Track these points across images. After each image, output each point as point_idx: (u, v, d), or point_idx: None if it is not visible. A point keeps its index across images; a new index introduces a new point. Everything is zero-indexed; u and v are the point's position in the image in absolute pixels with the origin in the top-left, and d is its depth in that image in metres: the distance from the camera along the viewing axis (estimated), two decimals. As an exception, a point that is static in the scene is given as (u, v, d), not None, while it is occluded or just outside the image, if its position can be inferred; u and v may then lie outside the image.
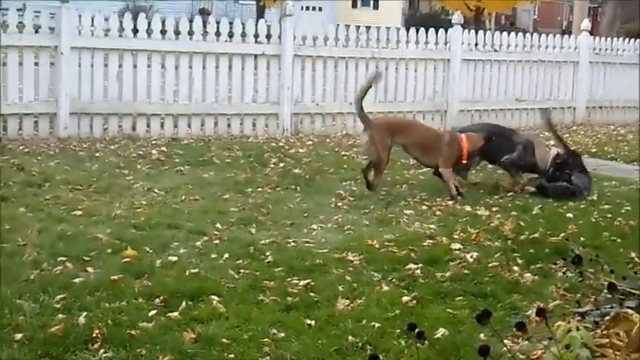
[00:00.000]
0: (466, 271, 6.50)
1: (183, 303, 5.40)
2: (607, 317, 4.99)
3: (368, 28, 15.02)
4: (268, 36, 13.79)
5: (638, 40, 18.97)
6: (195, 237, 7.12)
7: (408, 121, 11.35)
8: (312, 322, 5.22)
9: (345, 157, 11.76)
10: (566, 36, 18.16)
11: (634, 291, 5.39)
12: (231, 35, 13.52)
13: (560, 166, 9.78)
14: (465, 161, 9.53)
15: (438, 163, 9.51)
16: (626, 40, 18.74)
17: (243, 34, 13.62)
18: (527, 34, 17.16)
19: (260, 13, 39.36)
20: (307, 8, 52.16)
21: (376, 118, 10.06)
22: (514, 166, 9.92)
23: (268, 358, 4.63)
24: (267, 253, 6.72)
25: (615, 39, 18.60)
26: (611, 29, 32.46)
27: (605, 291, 5.82)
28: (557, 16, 79.10)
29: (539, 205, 9.03)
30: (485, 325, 3.39)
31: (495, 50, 16.16)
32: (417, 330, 3.21)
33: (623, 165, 12.55)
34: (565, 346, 3.72)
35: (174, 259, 6.44)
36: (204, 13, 36.78)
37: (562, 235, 7.67)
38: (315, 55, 14.17)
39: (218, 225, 7.54)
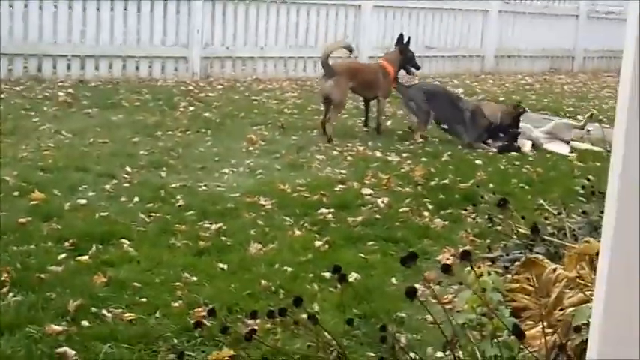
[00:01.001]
0: (377, 216, 6.53)
1: (94, 246, 5.32)
2: (517, 262, 5.07)
3: (279, -28, 14.88)
4: (178, -22, 13.57)
5: (546, -9, 19.19)
6: (104, 180, 7.01)
7: (355, 64, 11.37)
8: (225, 266, 5.20)
9: (255, 102, 11.67)
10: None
11: (544, 237, 5.48)
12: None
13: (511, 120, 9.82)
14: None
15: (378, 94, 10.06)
16: (535, -11, 18.90)
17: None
18: (438, -18, 17.20)
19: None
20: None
21: (335, 63, 10.09)
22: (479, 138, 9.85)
23: (180, 301, 4.59)
24: (178, 197, 6.66)
25: (524, -11, 18.73)
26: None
27: (514, 237, 5.92)
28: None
29: (449, 152, 9.10)
30: (409, 267, 3.40)
31: (405, -3, 16.17)
32: (339, 272, 3.15)
33: (531, 114, 12.68)
34: (481, 289, 3.73)
35: (84, 202, 6.34)
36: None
37: (471, 181, 7.75)
38: (223, -2, 14.01)
39: (127, 168, 7.44)
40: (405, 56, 10.56)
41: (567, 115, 12.79)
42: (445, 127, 10.04)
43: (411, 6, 16.24)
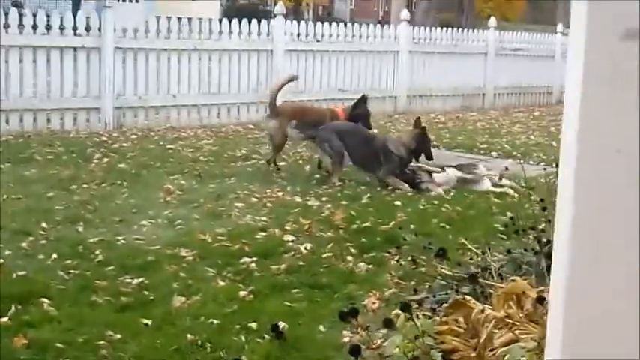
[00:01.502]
0: (301, 263, 6.49)
1: (13, 307, 5.16)
2: (444, 304, 5.06)
3: (189, 19, 14.84)
4: (87, 28, 13.41)
5: (454, 30, 19.44)
6: (20, 237, 6.82)
7: (301, 106, 11.53)
8: (149, 322, 5.09)
9: (170, 151, 11.57)
10: (386, 26, 18.42)
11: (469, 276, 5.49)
12: (48, 28, 13.08)
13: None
14: None
15: None
16: (444, 29, 19.14)
17: (62, 27, 13.19)
18: (348, 25, 17.31)
19: (76, 6, 38.47)
20: (124, 0, 51.27)
21: (280, 105, 10.63)
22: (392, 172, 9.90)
23: (105, 361, 4.48)
24: (97, 252, 6.53)
25: (433, 29, 18.94)
26: (427, 18, 33.21)
27: (439, 277, 5.92)
28: (373, 7, 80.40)
29: (368, 195, 9.11)
30: (346, 322, 3.35)
31: (317, 41, 16.24)
32: (277, 330, 3.08)
33: (446, 152, 12.81)
34: (414, 337, 3.70)
35: (0, 261, 6.17)
36: (17, 5, 35.74)
37: (392, 223, 7.75)
38: (136, 48, 13.88)
39: (44, 224, 7.26)
40: (357, 111, 10.77)
41: (481, 151, 12.94)
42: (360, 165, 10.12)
43: (323, 49, 16.32)
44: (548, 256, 5.00)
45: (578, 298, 1.38)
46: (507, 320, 4.31)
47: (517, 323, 4.28)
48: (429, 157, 10.02)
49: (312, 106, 12.85)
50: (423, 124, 10.30)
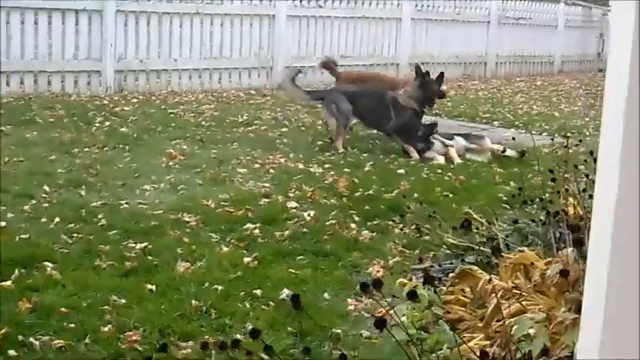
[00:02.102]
0: (305, 230, 6.46)
1: (16, 271, 5.12)
2: (450, 274, 5.04)
3: (192, -17, 14.75)
4: (89, -10, 13.32)
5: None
6: (22, 200, 6.79)
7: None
8: (153, 287, 5.06)
9: (172, 115, 11.51)
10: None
11: (473, 245, 5.48)
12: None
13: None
14: None
15: None
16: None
17: (64, -11, 13.10)
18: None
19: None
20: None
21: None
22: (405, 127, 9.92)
23: (110, 326, 4.44)
24: (100, 216, 6.50)
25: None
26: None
27: (444, 247, 5.90)
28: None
29: (371, 162, 9.08)
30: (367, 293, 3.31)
31: (320, 6, 16.13)
32: (297, 300, 3.03)
33: (448, 120, 12.77)
34: (427, 307, 3.67)
35: (2, 224, 6.13)
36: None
37: (396, 191, 7.72)
38: (138, 11, 13.77)
39: (46, 187, 7.23)
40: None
41: (484, 120, 12.89)
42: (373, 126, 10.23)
43: (325, 15, 16.23)
44: (557, 227, 4.98)
45: (618, 298, 1.34)
46: (515, 291, 4.29)
47: (525, 294, 4.26)
48: (441, 96, 10.25)
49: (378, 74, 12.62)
50: (425, 70, 10.30)
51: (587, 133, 11.26)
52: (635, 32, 1.25)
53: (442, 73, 10.53)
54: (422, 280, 5.04)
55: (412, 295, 3.13)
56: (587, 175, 5.09)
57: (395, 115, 9.83)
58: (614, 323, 1.31)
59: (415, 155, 9.51)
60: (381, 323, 2.87)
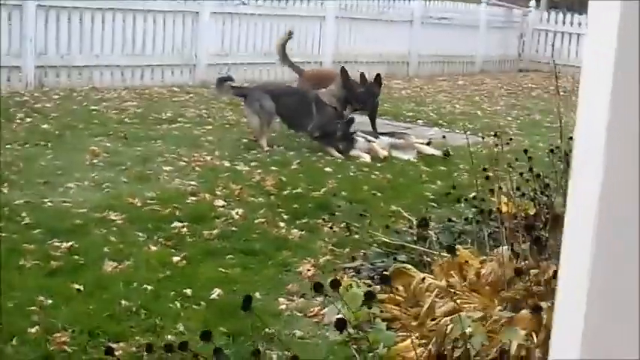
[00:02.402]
0: (233, 228, 6.40)
1: None
2: (383, 272, 5.01)
3: (114, -22, 14.52)
4: (9, -16, 13.03)
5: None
6: (-59, 198, 6.62)
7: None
8: (81, 287, 4.96)
9: (94, 112, 11.30)
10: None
11: (406, 244, 5.46)
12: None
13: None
14: None
15: None
16: (369, -5, 19.06)
17: (-18, -18, 12.80)
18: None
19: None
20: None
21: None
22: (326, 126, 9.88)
23: (37, 327, 4.34)
24: (23, 214, 6.34)
25: (359, -6, 18.84)
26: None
27: (375, 245, 5.88)
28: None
29: (298, 161, 9.02)
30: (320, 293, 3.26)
31: (244, 3, 16.00)
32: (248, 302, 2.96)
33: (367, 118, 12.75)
34: (367, 306, 3.64)
35: None
36: None
37: (323, 189, 7.69)
38: (59, 6, 13.47)
39: (-34, 185, 7.05)
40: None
41: (407, 119, 12.94)
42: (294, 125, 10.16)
43: (249, 12, 16.09)
44: (489, 225, 4.99)
45: (597, 298, 1.30)
46: (449, 290, 4.29)
47: (459, 293, 4.26)
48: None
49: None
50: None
51: (511, 132, 11.34)
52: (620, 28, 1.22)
53: (379, 74, 10.75)
54: (354, 276, 5.03)
55: (317, 288, 3.07)
56: (521, 174, 5.11)
57: (317, 115, 9.81)
58: (596, 323, 1.28)
59: (337, 155, 9.48)
60: (341, 325, 2.81)
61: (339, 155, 9.45)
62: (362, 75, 10.37)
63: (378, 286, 4.72)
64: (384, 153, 9.46)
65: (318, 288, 3.14)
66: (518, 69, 23.00)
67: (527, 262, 4.21)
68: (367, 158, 9.38)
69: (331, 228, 6.53)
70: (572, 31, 22.58)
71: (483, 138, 8.97)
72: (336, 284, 3.32)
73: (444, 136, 9.71)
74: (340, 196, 7.41)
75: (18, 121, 10.14)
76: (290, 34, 11.89)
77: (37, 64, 13.16)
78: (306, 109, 9.88)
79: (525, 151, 5.39)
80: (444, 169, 9.02)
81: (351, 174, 8.61)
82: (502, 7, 23.21)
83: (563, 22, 23.00)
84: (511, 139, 7.65)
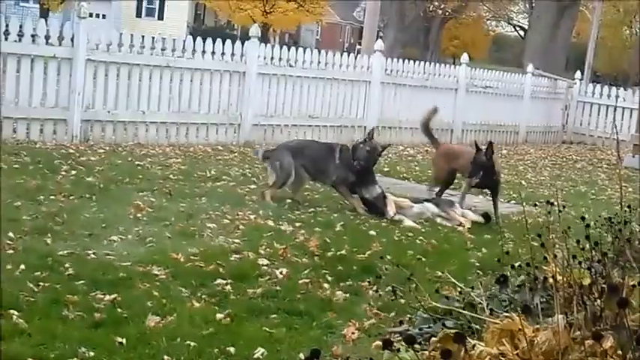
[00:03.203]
0: (277, 288, 6.33)
1: (-20, 319, 4.95)
2: (431, 338, 4.90)
3: (163, 37, 14.66)
4: (60, 38, 13.17)
5: (426, 64, 19.41)
6: (-14, 246, 6.60)
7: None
8: (123, 340, 4.90)
9: (139, 167, 11.34)
10: (359, 55, 18.35)
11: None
12: (20, 35, 12.84)
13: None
14: None
15: None
16: (416, 62, 19.09)
17: (33, 35, 12.93)
18: (322, 52, 17.16)
19: (43, 17, 38.17)
20: (91, 15, 50.88)
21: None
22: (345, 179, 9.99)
23: (80, 380, 4.28)
24: (67, 265, 6.32)
25: (406, 61, 18.86)
26: (392, 52, 33.26)
27: (421, 310, 5.77)
28: (338, 37, 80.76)
29: (342, 222, 8.97)
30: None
31: (291, 66, 16.07)
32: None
33: (416, 185, 12.72)
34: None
35: (-33, 269, 5.93)
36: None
37: (368, 252, 7.61)
38: (108, 61, 13.61)
39: (11, 234, 7.01)
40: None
41: (452, 187, 12.84)
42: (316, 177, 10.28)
43: (295, 74, 16.17)
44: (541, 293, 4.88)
45: None
46: (501, 358, 4.17)
47: (511, 361, 4.14)
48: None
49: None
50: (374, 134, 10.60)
51: (556, 203, 11.20)
52: None
53: (491, 143, 10.37)
54: (401, 340, 4.93)
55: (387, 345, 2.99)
56: (577, 242, 5.01)
57: (338, 168, 10.03)
58: None
59: (357, 204, 9.81)
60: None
61: (360, 205, 9.76)
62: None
63: (426, 352, 4.61)
64: (390, 214, 9.55)
65: (387, 346, 3.07)
66: (562, 140, 22.90)
67: (581, 332, 4.09)
68: (391, 214, 9.42)
69: (376, 291, 6.45)
70: (615, 104, 22.50)
71: (536, 205, 8.87)
72: (387, 344, 3.23)
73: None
74: (385, 259, 7.31)
75: (63, 173, 10.19)
76: (435, 110, 11.89)
77: (83, 117, 13.27)
78: (328, 163, 10.04)
79: (583, 217, 5.31)
80: (489, 237, 8.92)
81: (395, 238, 8.53)
82: (547, 78, 23.18)
83: (609, 96, 22.92)
84: (564, 207, 7.52)
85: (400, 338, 5.30)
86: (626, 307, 3.62)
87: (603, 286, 4.40)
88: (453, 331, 4.61)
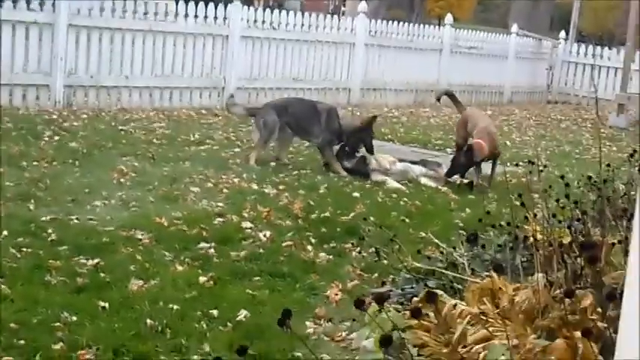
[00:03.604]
0: (261, 251, 6.34)
1: (-38, 284, 4.95)
2: (413, 298, 4.92)
3: (146, 2, 14.54)
4: (41, 4, 13.03)
5: (410, 25, 19.35)
6: (-32, 213, 6.58)
7: None
8: (106, 305, 4.90)
9: (122, 132, 11.29)
10: (343, 17, 18.29)
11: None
12: (1, 1, 12.72)
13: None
14: None
15: None
16: (400, 23, 19.02)
17: (14, 1, 12.81)
18: (305, 14, 17.09)
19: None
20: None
21: None
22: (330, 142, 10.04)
23: (62, 343, 4.28)
24: (50, 231, 6.30)
25: (390, 22, 18.79)
26: (377, 14, 33.13)
27: (404, 271, 5.79)
28: (323, 0, 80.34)
29: (325, 184, 8.97)
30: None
31: (274, 28, 16.00)
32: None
33: (400, 146, 12.71)
34: (390, 331, 3.55)
35: (-52, 236, 5.92)
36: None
37: (352, 214, 7.62)
38: (90, 26, 13.50)
39: (-7, 200, 7.01)
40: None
41: (436, 147, 12.86)
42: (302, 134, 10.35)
43: (279, 37, 16.10)
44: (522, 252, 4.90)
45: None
46: (482, 317, 4.19)
47: (491, 320, 4.16)
48: (369, 149, 10.00)
49: None
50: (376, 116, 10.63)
51: (540, 163, 11.21)
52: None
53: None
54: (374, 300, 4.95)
55: (359, 305, 2.99)
56: (557, 200, 5.02)
57: (325, 127, 10.04)
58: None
59: (340, 170, 9.83)
60: (387, 342, 2.72)
61: (343, 172, 9.74)
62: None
63: (408, 312, 4.63)
64: (378, 178, 9.58)
65: (359, 305, 3.08)
66: (547, 100, 22.91)
67: (561, 290, 4.11)
68: (379, 178, 9.43)
69: (360, 253, 6.46)
70: (600, 63, 22.46)
71: (517, 164, 8.87)
72: (360, 304, 3.24)
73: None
74: (368, 221, 7.32)
75: (46, 138, 10.14)
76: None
77: (66, 83, 13.20)
78: (316, 120, 10.04)
79: (562, 176, 5.31)
80: (472, 197, 8.93)
81: (379, 199, 8.53)
82: (531, 38, 23.15)
83: (593, 55, 22.89)
84: (545, 166, 7.54)
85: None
86: (596, 263, 3.64)
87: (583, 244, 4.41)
88: (432, 291, 4.63)
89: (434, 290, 4.63)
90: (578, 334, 3.62)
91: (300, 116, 10.09)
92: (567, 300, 3.87)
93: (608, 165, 5.98)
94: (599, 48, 23.63)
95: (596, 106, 14.54)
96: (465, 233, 7.26)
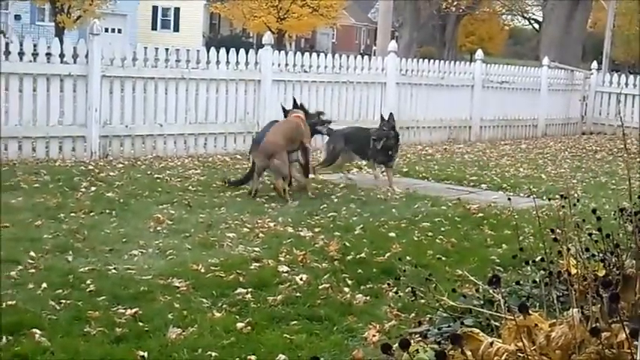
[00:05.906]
0: (297, 294, 6.35)
1: (4, 339, 5.00)
2: (453, 334, 4.91)
3: (177, 49, 14.73)
4: (75, 56, 13.25)
5: (440, 62, 19.39)
6: (8, 266, 6.65)
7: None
8: (145, 354, 4.93)
9: (158, 180, 11.40)
10: (374, 57, 18.36)
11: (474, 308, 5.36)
12: (35, 55, 12.94)
13: None
14: None
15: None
16: (431, 61, 19.08)
17: (48, 54, 13.02)
18: (335, 56, 17.20)
19: (59, 35, 38.38)
20: (107, 30, 51.17)
21: None
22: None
23: (102, 395, 4.32)
24: (88, 282, 6.37)
25: (420, 60, 18.86)
26: (409, 52, 33.25)
27: (441, 310, 5.78)
28: (354, 40, 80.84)
29: (361, 225, 8.98)
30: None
31: (305, 71, 16.11)
32: None
33: (435, 184, 12.72)
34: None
35: (-11, 290, 5.99)
36: (1, 32, 35.50)
37: (387, 254, 7.62)
38: (123, 76, 13.70)
39: (32, 253, 7.08)
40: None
41: (471, 183, 12.85)
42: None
43: (310, 80, 16.19)
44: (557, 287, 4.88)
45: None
46: (519, 354, 4.18)
47: (529, 357, 4.15)
48: None
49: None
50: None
51: (576, 195, 11.18)
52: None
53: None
54: (421, 341, 4.94)
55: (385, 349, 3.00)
56: (590, 234, 5.01)
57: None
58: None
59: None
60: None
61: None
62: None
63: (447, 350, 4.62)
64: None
65: (385, 350, 3.08)
66: (581, 132, 22.84)
67: (598, 324, 4.10)
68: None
69: (396, 293, 6.45)
70: (633, 92, 22.37)
71: (550, 199, 8.84)
72: (405, 345, 3.26)
73: (509, 199, 9.60)
74: (405, 260, 7.32)
75: (83, 189, 10.26)
76: None
77: (101, 133, 13.35)
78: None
79: (594, 210, 5.29)
80: (508, 232, 8.90)
81: (415, 238, 8.53)
82: (563, 70, 23.13)
83: (626, 84, 22.81)
84: (578, 201, 7.52)
85: (420, 339, 5.33)
86: (618, 301, 3.63)
87: (618, 277, 4.40)
88: (468, 329, 4.63)
89: (458, 333, 4.62)
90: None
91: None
92: (604, 334, 3.86)
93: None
94: (631, 77, 23.54)
95: (624, 137, 14.45)
96: (501, 269, 7.27)
